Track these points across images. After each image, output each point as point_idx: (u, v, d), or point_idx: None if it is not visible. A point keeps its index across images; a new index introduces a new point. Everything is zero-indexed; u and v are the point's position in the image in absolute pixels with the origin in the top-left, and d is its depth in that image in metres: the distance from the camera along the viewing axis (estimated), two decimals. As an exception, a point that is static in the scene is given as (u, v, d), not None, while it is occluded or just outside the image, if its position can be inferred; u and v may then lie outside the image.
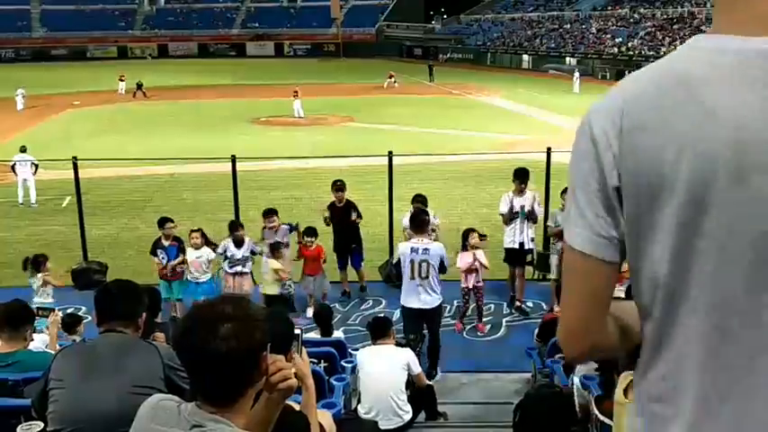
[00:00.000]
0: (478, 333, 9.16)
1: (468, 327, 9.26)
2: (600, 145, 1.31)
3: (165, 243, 9.54)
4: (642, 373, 1.43)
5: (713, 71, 1.24)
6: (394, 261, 7.60)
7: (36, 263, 8.79)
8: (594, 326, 1.41)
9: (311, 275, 9.88)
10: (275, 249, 9.52)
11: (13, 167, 16.26)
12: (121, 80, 42.03)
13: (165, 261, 9.53)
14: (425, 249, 7.23)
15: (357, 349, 6.55)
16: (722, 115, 1.21)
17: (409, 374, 5.72)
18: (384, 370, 5.58)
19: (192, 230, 9.77)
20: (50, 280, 8.44)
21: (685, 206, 1.24)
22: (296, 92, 32.41)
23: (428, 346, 7.67)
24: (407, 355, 5.72)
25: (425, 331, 7.69)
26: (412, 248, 7.27)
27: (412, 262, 7.22)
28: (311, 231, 9.83)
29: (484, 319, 9.36)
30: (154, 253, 9.61)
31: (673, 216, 1.25)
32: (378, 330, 5.90)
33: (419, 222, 7.54)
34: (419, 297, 7.32)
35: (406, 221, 9.82)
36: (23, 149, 16.77)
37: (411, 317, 7.45)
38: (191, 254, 9.55)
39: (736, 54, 1.23)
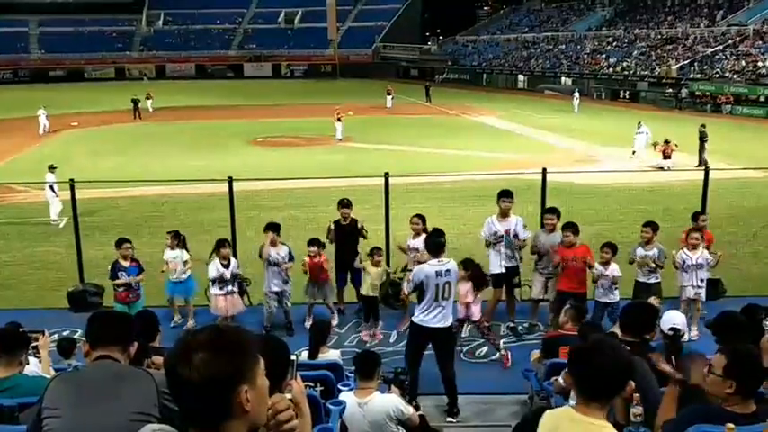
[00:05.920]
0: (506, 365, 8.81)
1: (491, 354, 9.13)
2: None
3: (125, 264, 9.54)
4: None
5: None
6: (412, 284, 7.43)
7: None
8: None
9: (315, 282, 10.01)
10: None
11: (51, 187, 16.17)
12: (148, 98, 43.07)
13: (127, 277, 9.47)
14: (447, 271, 7.25)
15: (352, 372, 6.47)
16: None
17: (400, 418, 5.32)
18: (372, 424, 5.24)
19: (168, 232, 10.27)
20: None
21: None
22: (340, 114, 31.82)
23: (443, 377, 7.48)
24: (394, 402, 5.34)
25: (436, 356, 7.47)
26: (437, 272, 7.20)
27: (437, 285, 7.21)
28: (315, 242, 9.98)
29: (479, 341, 9.30)
30: (114, 276, 9.50)
31: None
32: (365, 369, 5.38)
33: (435, 246, 7.36)
34: (438, 317, 7.30)
35: (413, 243, 9.84)
36: (52, 168, 16.56)
37: (421, 336, 7.40)
38: (168, 254, 10.06)
39: None
